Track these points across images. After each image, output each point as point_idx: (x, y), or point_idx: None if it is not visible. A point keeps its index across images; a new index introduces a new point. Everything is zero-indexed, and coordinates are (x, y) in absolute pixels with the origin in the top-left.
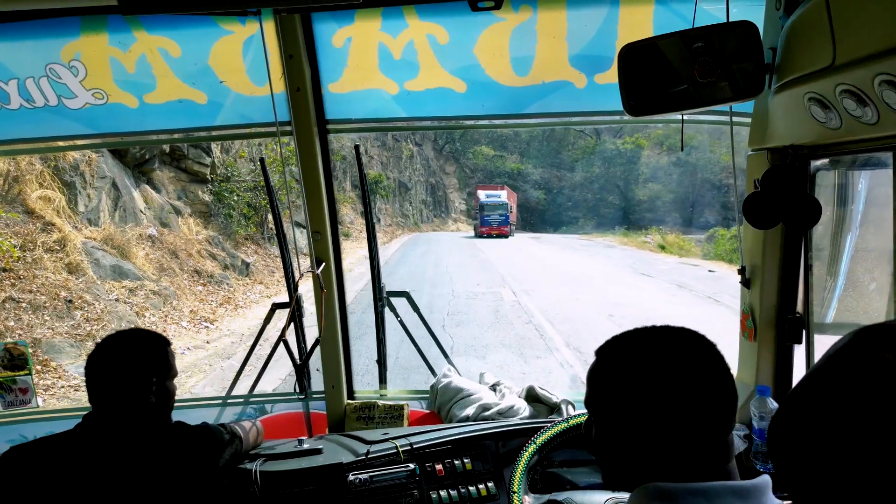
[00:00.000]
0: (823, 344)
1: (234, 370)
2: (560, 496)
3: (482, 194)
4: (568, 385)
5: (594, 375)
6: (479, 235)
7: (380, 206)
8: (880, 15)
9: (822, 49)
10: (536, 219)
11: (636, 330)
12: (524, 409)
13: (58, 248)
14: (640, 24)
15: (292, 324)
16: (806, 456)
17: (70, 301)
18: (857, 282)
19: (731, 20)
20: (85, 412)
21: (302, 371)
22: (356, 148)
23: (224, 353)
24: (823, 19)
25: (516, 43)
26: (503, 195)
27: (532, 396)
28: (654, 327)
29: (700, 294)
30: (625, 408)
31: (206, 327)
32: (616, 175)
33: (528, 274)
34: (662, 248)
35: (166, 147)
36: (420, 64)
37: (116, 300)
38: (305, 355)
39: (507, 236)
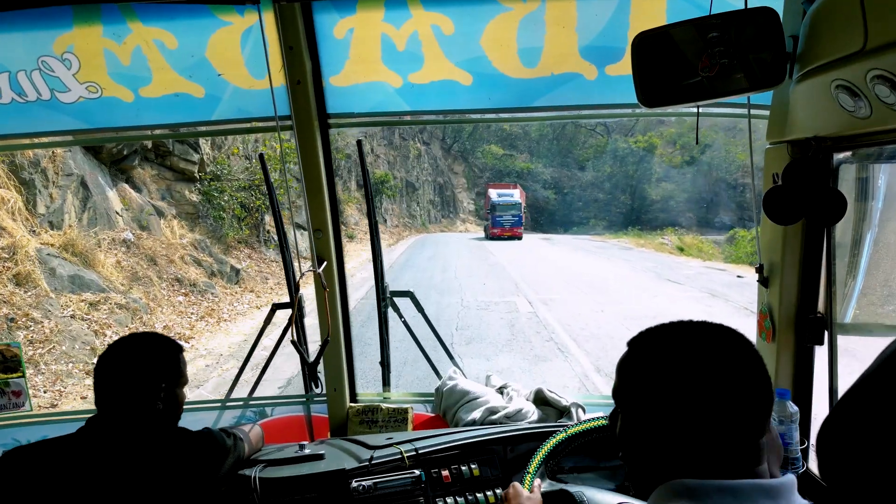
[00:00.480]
0: (845, 345)
1: (201, 399)
2: (572, 488)
3: (493, 193)
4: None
5: (625, 366)
6: (490, 237)
7: (386, 206)
8: None
9: (851, 33)
10: (546, 219)
11: (673, 323)
12: (533, 412)
13: (6, 255)
14: (653, 13)
15: (293, 325)
16: (863, 463)
17: (12, 320)
18: (879, 280)
19: (749, 6)
20: (80, 415)
21: (314, 370)
22: (359, 142)
23: (194, 381)
24: (853, 1)
25: (524, 33)
26: (516, 194)
27: (541, 399)
28: (691, 321)
29: (735, 304)
30: (655, 401)
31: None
32: (628, 174)
33: (542, 280)
34: (681, 249)
35: (148, 142)
36: (424, 56)
37: (72, 317)
38: (317, 354)
39: (520, 238)
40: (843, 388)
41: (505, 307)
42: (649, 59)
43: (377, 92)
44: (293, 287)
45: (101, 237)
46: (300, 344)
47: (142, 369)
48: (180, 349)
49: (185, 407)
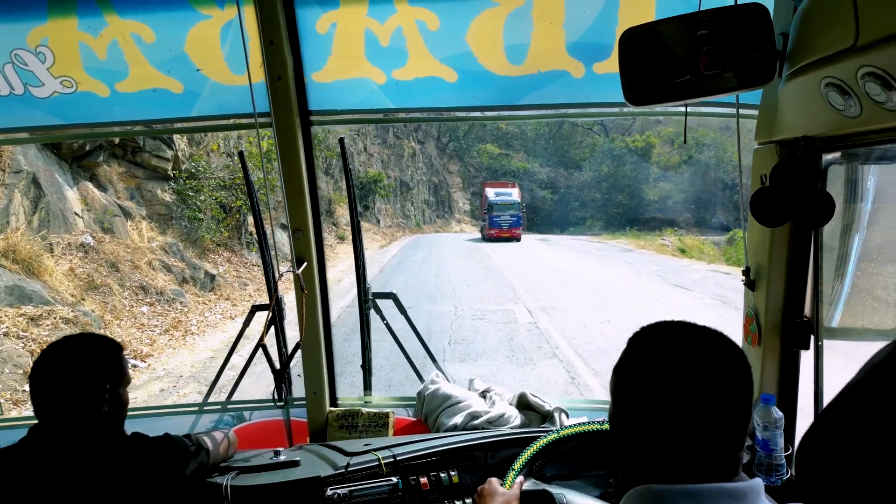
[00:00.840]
0: (831, 350)
1: (177, 403)
2: (554, 489)
3: (491, 192)
4: None
5: (620, 363)
6: (486, 238)
7: (379, 206)
8: None
9: (842, 29)
10: (542, 219)
11: (673, 323)
12: (515, 417)
13: None
14: (642, 9)
15: (272, 327)
16: (844, 474)
17: None
18: (865, 284)
19: (739, 3)
20: None
21: (281, 378)
22: (341, 140)
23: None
24: None
25: (511, 30)
26: (514, 193)
27: (524, 404)
28: (692, 325)
29: None
30: (641, 402)
31: (134, 367)
32: (625, 174)
33: (541, 284)
34: (683, 251)
35: (115, 137)
36: (409, 52)
37: (4, 334)
38: (285, 360)
39: (518, 239)
40: (828, 393)
41: (502, 316)
42: (637, 57)
43: (360, 88)
44: (272, 288)
45: (52, 241)
46: (280, 348)
47: (85, 371)
48: (121, 348)
49: (162, 411)
